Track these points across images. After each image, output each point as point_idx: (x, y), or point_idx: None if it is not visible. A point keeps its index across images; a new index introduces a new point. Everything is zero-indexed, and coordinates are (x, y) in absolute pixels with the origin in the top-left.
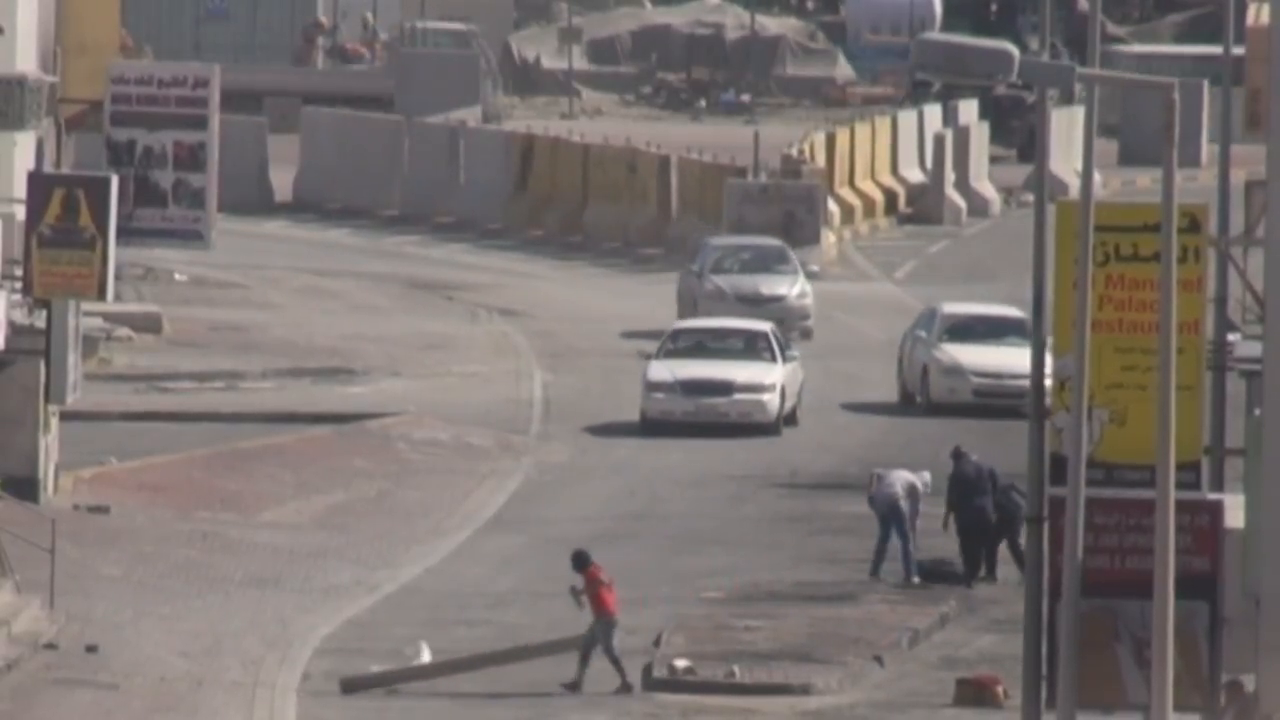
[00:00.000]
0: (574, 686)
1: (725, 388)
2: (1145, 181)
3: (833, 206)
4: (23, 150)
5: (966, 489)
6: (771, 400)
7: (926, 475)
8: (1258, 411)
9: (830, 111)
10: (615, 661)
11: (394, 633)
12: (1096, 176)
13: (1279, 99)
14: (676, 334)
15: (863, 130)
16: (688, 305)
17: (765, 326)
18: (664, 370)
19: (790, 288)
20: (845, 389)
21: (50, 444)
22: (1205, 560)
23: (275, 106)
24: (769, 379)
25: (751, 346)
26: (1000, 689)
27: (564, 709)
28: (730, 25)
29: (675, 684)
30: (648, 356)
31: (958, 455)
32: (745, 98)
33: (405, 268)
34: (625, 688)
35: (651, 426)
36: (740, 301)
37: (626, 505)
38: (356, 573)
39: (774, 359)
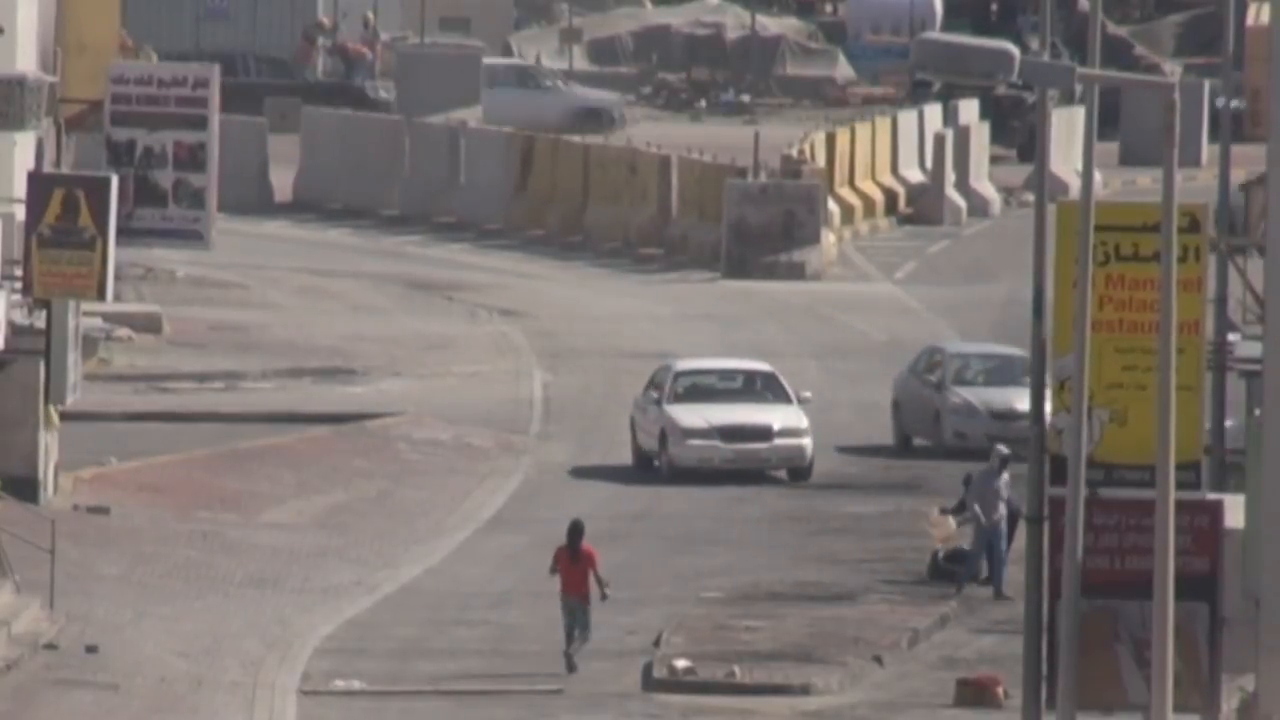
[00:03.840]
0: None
1: (765, 433)
2: (1145, 181)
3: (833, 206)
4: (23, 150)
5: (988, 492)
6: (809, 444)
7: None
8: (1258, 411)
9: (830, 111)
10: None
11: (394, 633)
12: (1097, 176)
13: (1279, 99)
14: (679, 376)
15: (863, 130)
16: (920, 418)
17: (769, 367)
18: (695, 416)
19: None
20: (846, 388)
21: (51, 443)
22: (1205, 561)
23: (275, 106)
24: (804, 422)
25: (764, 388)
26: (1000, 689)
27: (564, 709)
28: (730, 25)
29: (675, 684)
30: (657, 401)
31: (969, 480)
32: (745, 98)
33: (405, 268)
34: (571, 668)
35: (682, 475)
36: (995, 418)
37: (626, 505)
38: (356, 573)
39: (789, 400)
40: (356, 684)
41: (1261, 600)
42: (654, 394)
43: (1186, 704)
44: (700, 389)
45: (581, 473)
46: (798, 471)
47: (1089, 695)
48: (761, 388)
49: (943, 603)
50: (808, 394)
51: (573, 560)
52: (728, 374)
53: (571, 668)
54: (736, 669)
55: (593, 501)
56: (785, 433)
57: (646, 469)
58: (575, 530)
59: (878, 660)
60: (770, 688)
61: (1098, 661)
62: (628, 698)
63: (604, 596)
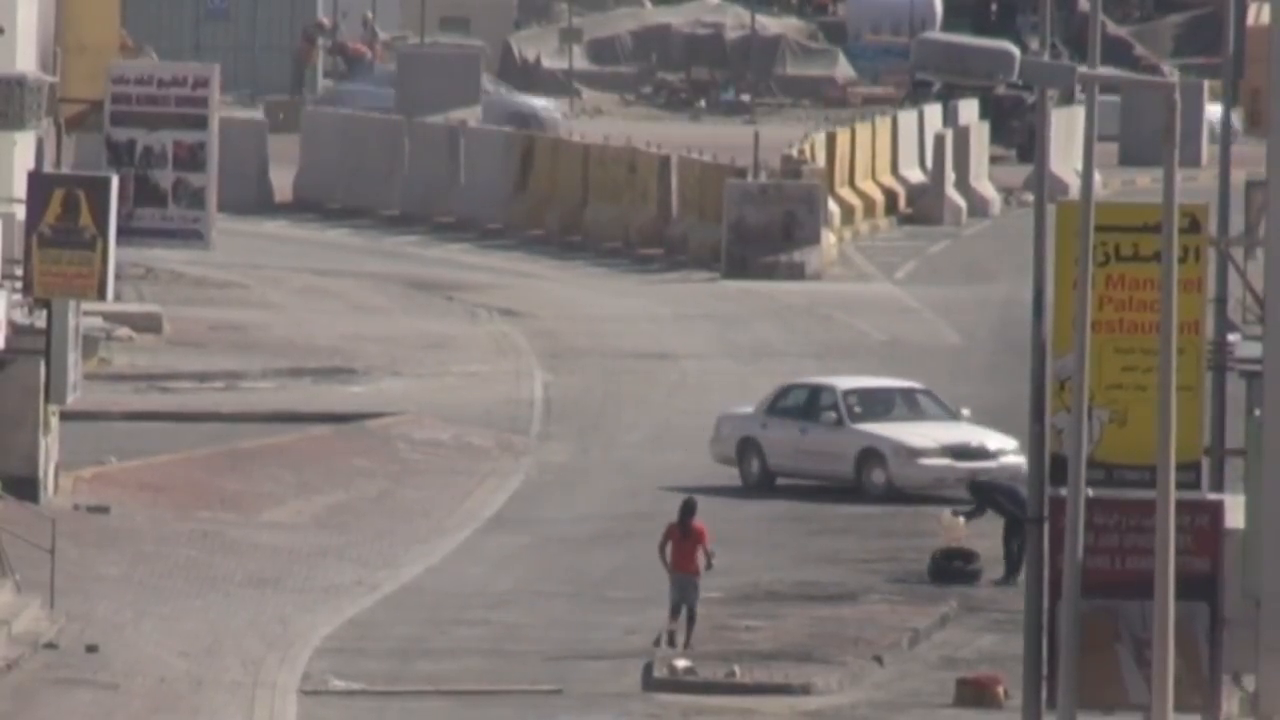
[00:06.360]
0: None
1: (986, 452)
2: (1145, 181)
3: (833, 207)
4: (23, 150)
5: (1001, 489)
6: (1025, 461)
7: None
8: (1258, 412)
9: (830, 111)
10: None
11: (394, 632)
12: (1096, 176)
13: (1279, 99)
14: (848, 394)
15: (863, 130)
16: None
17: (923, 385)
18: (921, 436)
19: None
20: None
21: (50, 444)
22: (1205, 561)
23: (275, 106)
24: (1014, 441)
25: (931, 406)
26: (1000, 689)
27: (564, 709)
28: (730, 25)
29: (675, 684)
30: (838, 421)
31: (974, 484)
32: (745, 98)
33: (405, 268)
34: (672, 643)
35: (900, 495)
36: None
37: (627, 505)
38: (357, 572)
39: (954, 417)
40: (339, 683)
41: (1261, 600)
42: (831, 414)
43: (1186, 704)
44: (876, 409)
45: (582, 472)
46: None
47: (1089, 695)
48: (928, 406)
49: (943, 603)
50: (966, 411)
51: (684, 537)
52: (894, 392)
53: (666, 643)
54: (736, 669)
55: (593, 502)
56: (1003, 451)
57: (769, 487)
58: (688, 508)
59: (878, 660)
60: (770, 688)
61: (1098, 661)
62: (628, 698)
63: (709, 566)
